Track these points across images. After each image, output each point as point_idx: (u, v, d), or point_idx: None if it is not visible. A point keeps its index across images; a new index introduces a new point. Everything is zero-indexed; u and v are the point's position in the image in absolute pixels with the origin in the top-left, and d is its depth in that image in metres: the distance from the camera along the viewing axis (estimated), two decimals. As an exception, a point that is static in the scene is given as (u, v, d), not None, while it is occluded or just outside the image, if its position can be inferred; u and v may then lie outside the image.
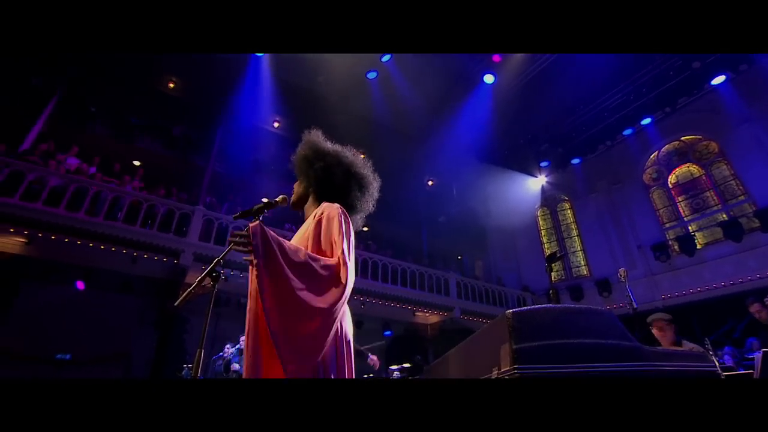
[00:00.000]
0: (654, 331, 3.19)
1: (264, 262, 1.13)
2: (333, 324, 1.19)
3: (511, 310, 2.12)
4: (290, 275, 1.13)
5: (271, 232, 1.20)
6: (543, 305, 2.32)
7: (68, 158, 8.43)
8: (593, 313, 2.25)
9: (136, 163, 10.76)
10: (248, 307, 1.25)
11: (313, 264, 1.20)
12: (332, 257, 1.30)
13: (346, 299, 1.26)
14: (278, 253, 1.16)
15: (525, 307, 2.24)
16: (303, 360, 1.11)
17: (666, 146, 12.35)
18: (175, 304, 1.60)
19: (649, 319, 3.25)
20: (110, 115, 10.13)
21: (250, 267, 1.18)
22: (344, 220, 1.41)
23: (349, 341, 1.38)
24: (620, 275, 3.83)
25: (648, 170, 12.75)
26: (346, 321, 1.40)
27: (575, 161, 13.85)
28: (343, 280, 1.23)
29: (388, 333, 11.70)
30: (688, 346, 3.04)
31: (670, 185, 12.16)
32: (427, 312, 11.59)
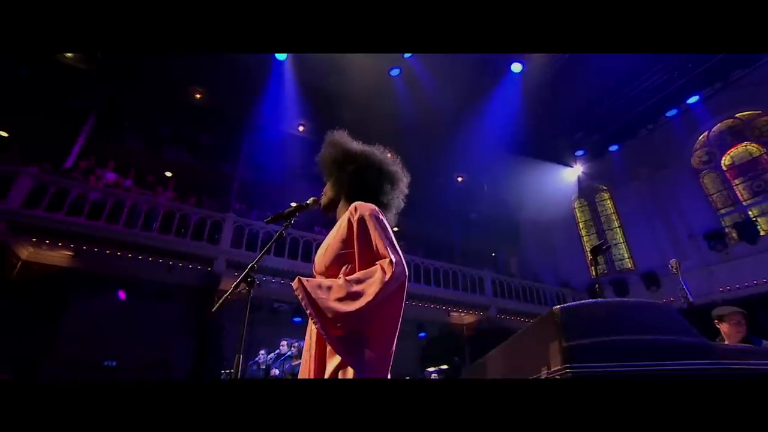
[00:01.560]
0: (725, 326, 2.83)
1: (310, 304, 1.23)
2: (400, 310, 1.30)
3: (559, 306, 2.02)
4: (340, 308, 1.21)
5: (312, 281, 1.29)
6: (593, 300, 2.16)
7: (106, 173, 8.85)
8: (651, 306, 2.11)
9: (168, 173, 11.16)
10: (305, 346, 1.37)
11: (357, 287, 1.25)
12: (376, 260, 1.31)
13: (405, 280, 1.31)
14: (320, 296, 1.25)
15: (574, 302, 2.12)
16: (385, 371, 1.23)
17: (718, 125, 11.38)
18: (212, 309, 1.74)
19: (718, 313, 2.88)
20: (142, 129, 10.56)
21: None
22: (381, 217, 1.41)
23: None
24: (672, 267, 3.52)
25: (697, 153, 11.80)
26: None
27: (613, 148, 13.05)
28: (389, 273, 1.26)
29: (422, 334, 11.49)
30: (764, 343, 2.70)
31: (723, 167, 11.18)
32: (462, 312, 11.30)
